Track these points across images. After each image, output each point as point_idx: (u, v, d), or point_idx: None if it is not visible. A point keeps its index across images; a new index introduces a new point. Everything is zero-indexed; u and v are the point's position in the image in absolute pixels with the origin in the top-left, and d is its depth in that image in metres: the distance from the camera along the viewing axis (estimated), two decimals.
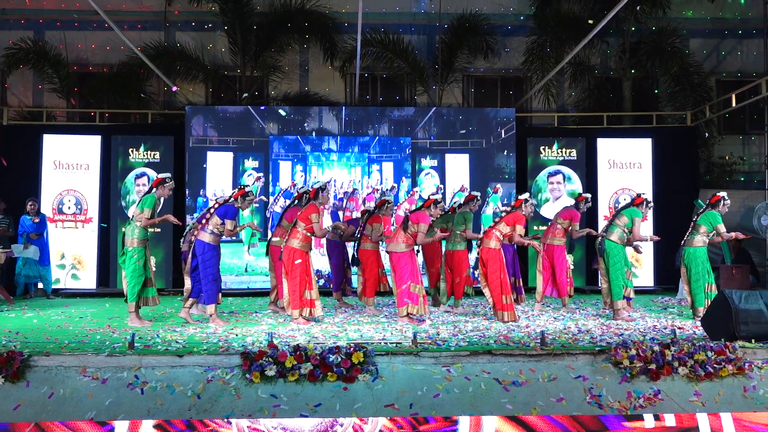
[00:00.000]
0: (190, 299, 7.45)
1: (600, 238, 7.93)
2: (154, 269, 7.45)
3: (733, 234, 7.85)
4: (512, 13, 13.28)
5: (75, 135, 11.24)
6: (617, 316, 7.62)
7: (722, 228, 7.68)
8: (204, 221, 7.33)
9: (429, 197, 7.79)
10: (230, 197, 7.48)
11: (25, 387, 5.03)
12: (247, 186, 7.57)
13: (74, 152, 11.03)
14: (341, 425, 4.79)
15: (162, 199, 7.53)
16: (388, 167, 11.34)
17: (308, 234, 7.25)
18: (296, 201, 8.30)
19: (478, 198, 8.58)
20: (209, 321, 7.28)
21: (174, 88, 11.74)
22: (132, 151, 11.05)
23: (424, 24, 13.33)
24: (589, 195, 8.96)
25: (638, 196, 8.01)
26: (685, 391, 5.14)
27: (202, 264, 7.21)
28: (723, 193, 7.92)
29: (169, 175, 7.50)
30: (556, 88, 12.97)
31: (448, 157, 11.36)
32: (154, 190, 7.34)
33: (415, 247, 7.58)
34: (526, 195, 7.96)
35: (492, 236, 7.65)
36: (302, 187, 8.74)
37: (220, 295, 7.37)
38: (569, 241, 8.79)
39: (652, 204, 8.20)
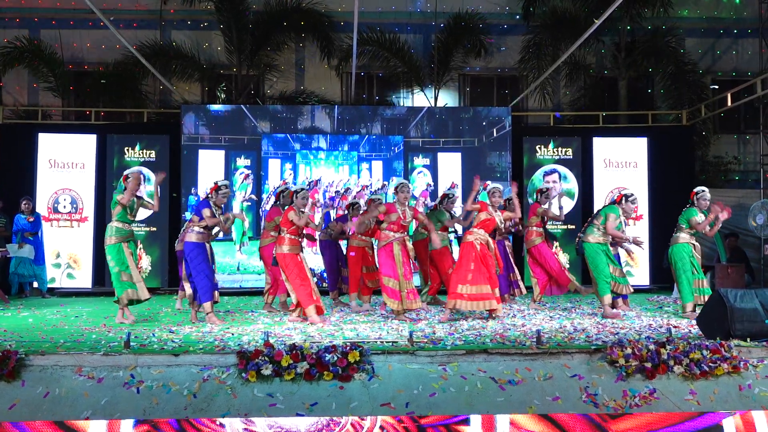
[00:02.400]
0: (195, 302, 7.45)
1: (577, 239, 8.01)
2: (141, 266, 7.43)
3: (707, 220, 7.75)
4: (508, 13, 13.30)
5: (70, 134, 11.21)
6: (606, 312, 7.63)
7: (696, 219, 7.67)
8: (190, 222, 7.43)
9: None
10: (207, 194, 7.53)
11: (20, 386, 5.00)
12: (221, 181, 7.56)
13: (69, 151, 11.00)
14: (337, 424, 4.79)
15: (148, 194, 7.47)
16: (378, 166, 11.35)
17: (294, 236, 7.28)
18: (276, 201, 8.39)
19: (451, 195, 8.60)
20: (206, 319, 7.28)
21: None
22: (127, 150, 11.02)
23: (420, 23, 13.34)
24: (551, 186, 9.06)
25: (620, 194, 8.04)
26: (680, 389, 5.13)
27: (190, 263, 7.26)
28: (699, 188, 7.93)
29: (134, 169, 7.48)
30: (552, 87, 12.98)
31: (441, 155, 11.38)
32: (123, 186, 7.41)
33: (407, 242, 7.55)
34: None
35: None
36: (279, 186, 8.70)
37: (216, 293, 7.36)
38: (548, 232, 8.79)
39: (634, 197, 8.10)
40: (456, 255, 8.35)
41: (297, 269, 7.20)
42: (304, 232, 7.58)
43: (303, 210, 7.31)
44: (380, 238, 7.54)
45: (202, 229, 7.27)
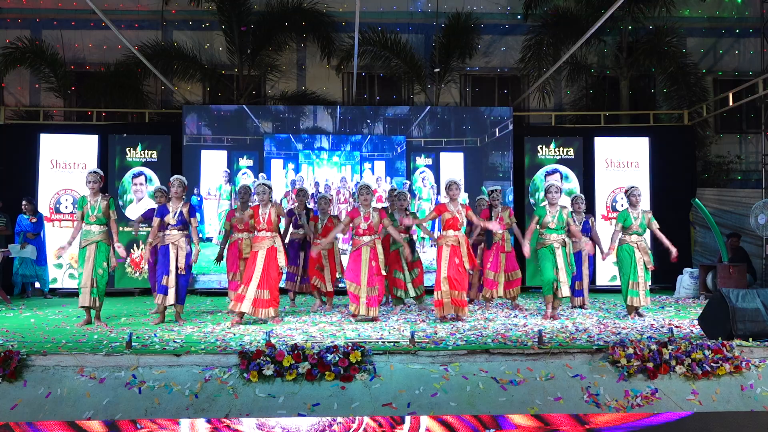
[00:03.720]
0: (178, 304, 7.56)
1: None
2: (101, 270, 7.20)
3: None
4: (509, 12, 13.29)
5: (72, 134, 11.21)
6: (546, 309, 7.71)
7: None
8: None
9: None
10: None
11: (22, 386, 5.00)
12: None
13: (71, 151, 11.01)
14: (339, 424, 4.78)
15: (101, 199, 7.25)
16: (380, 166, 11.34)
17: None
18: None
19: (397, 192, 8.42)
20: (180, 319, 7.50)
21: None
22: (129, 150, 11.02)
23: (421, 23, 13.33)
24: (498, 187, 8.88)
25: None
26: (682, 389, 5.11)
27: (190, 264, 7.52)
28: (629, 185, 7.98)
29: (90, 170, 7.40)
30: (553, 87, 12.96)
31: (443, 155, 11.36)
32: None
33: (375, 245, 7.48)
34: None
35: None
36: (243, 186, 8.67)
37: (156, 294, 7.42)
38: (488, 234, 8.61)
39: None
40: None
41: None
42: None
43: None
44: (352, 243, 7.53)
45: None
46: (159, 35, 12.97)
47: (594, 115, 12.27)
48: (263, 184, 7.31)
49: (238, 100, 12.66)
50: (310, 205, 9.33)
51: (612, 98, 13.16)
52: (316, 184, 11.19)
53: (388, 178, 11.32)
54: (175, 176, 7.59)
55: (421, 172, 11.41)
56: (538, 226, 7.69)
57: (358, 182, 10.51)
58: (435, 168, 11.38)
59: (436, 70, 12.54)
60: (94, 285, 7.14)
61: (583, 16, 12.26)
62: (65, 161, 11.00)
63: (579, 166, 11.33)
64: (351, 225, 7.49)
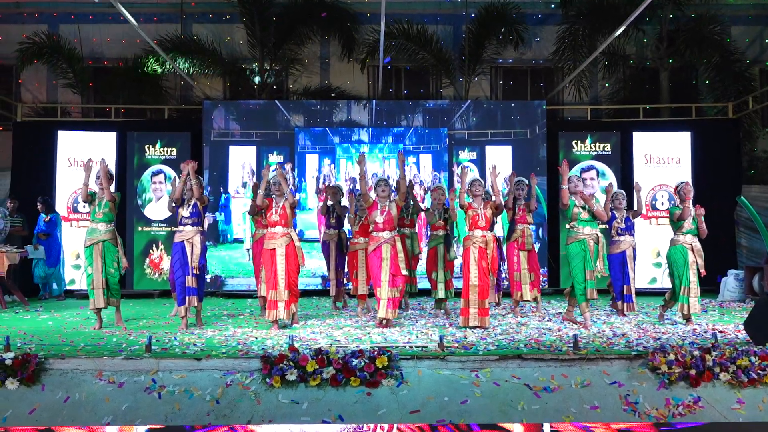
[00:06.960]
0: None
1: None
2: (113, 270, 7.16)
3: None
4: (542, 1, 12.94)
5: (90, 131, 11.12)
6: (585, 318, 7.17)
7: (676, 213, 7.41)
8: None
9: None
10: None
11: (40, 390, 4.94)
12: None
13: (89, 149, 10.81)
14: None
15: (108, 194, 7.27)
16: (426, 159, 10.96)
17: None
18: None
19: (435, 187, 8.29)
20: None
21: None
22: (148, 148, 10.88)
23: (449, 14, 13.04)
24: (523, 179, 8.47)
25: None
26: (727, 398, 4.94)
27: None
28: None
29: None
30: (589, 79, 12.58)
31: (489, 148, 10.95)
32: None
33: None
34: None
35: None
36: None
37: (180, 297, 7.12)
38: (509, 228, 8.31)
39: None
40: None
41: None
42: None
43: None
44: (370, 240, 7.21)
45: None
46: (178, 29, 12.82)
47: (632, 109, 11.85)
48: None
49: (259, 95, 12.51)
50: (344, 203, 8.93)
51: (651, 90, 12.70)
52: (353, 179, 10.80)
53: (429, 176, 10.83)
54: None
55: (465, 167, 10.97)
56: (570, 225, 7.31)
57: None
58: (479, 162, 10.88)
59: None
60: (106, 286, 7.12)
61: (620, 4, 11.77)
62: (83, 159, 10.83)
63: (616, 162, 10.95)
64: (366, 217, 7.34)
